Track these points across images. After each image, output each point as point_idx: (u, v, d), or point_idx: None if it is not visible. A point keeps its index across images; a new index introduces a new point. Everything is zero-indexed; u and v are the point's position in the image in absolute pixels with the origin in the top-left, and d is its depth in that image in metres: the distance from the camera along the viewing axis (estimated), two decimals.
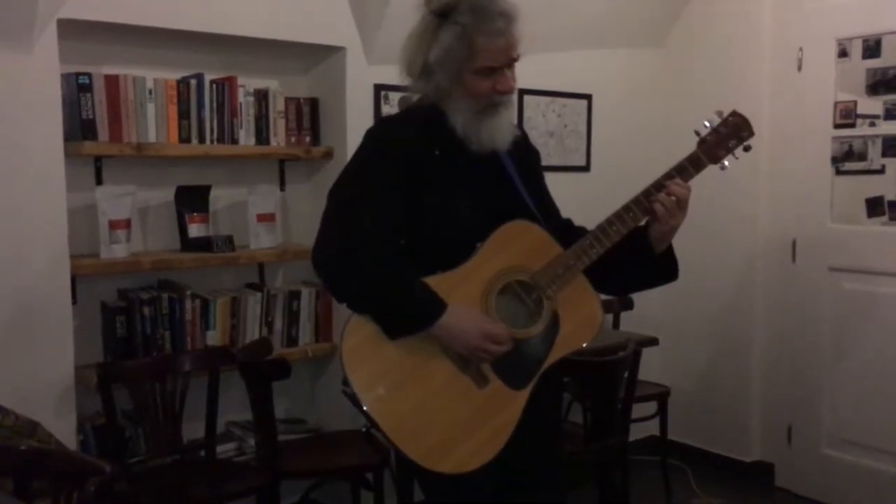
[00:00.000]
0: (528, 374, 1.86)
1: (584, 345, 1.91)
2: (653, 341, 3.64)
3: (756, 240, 3.97)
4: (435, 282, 1.82)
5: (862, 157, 3.68)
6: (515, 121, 1.92)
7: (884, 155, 3.61)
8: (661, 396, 3.80)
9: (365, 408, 1.81)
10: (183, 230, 3.18)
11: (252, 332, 3.25)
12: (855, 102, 3.62)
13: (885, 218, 3.69)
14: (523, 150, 2.02)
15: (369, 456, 2.97)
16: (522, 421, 1.85)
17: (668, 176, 1.90)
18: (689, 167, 1.91)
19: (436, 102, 1.90)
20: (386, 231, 1.84)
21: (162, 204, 3.21)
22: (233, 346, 3.16)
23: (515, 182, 1.94)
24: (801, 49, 3.74)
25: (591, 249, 1.87)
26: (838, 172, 3.72)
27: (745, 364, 4.04)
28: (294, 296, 3.37)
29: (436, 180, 1.87)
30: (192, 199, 3.20)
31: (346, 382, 1.83)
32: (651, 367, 3.85)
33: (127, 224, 2.97)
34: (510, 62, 1.86)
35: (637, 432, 3.88)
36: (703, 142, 1.92)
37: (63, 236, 2.77)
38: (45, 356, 2.75)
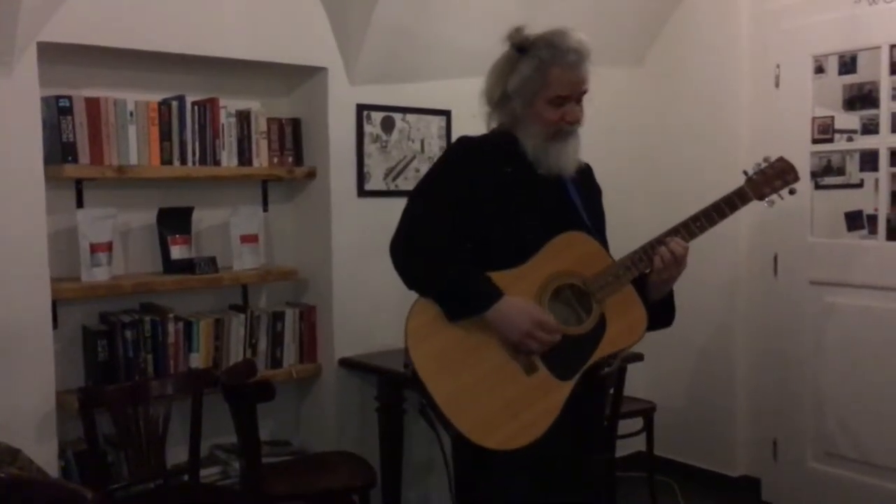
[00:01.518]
0: (574, 367, 1.98)
1: (629, 346, 2.04)
2: (638, 357, 3.64)
3: (738, 255, 4.00)
4: (494, 275, 1.99)
5: (840, 171, 3.74)
6: (578, 150, 2.15)
7: (862, 169, 3.66)
8: (647, 412, 3.80)
9: (423, 381, 1.95)
10: (165, 252, 3.16)
11: (236, 353, 3.23)
12: (832, 118, 3.67)
13: (864, 231, 3.73)
14: (588, 182, 2.22)
15: (356, 478, 2.95)
16: (566, 414, 1.95)
17: (716, 207, 2.06)
18: (736, 200, 2.07)
19: (510, 128, 2.10)
20: (452, 231, 2.04)
21: (144, 226, 3.19)
22: (216, 368, 3.14)
23: (577, 206, 2.11)
24: (778, 66, 3.79)
25: (640, 262, 2.03)
26: (817, 187, 3.77)
27: (730, 378, 4.06)
28: (278, 317, 3.36)
29: (505, 195, 2.05)
30: (174, 221, 3.18)
31: (406, 364, 2.00)
32: (636, 384, 3.85)
33: (108, 247, 2.95)
34: (580, 95, 2.07)
35: (623, 448, 3.87)
36: (750, 180, 2.10)
37: (43, 259, 2.75)
38: (26, 381, 2.71)
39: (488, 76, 2.12)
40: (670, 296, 2.14)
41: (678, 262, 2.03)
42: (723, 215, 2.06)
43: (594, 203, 2.22)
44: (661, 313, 2.13)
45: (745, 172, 2.11)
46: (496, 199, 2.04)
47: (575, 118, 2.07)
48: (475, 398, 1.95)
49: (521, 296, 1.98)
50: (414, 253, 2.06)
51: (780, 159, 2.11)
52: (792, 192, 2.12)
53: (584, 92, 2.08)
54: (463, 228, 2.04)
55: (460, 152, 2.16)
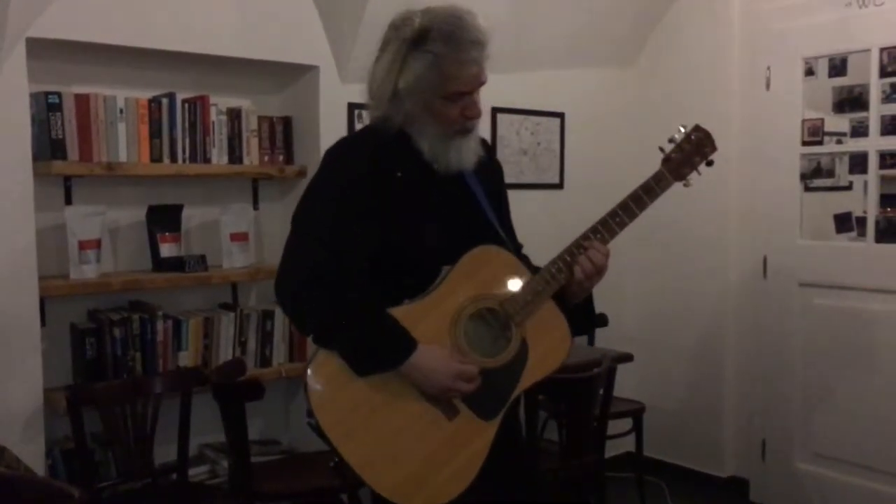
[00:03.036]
0: (498, 403, 1.83)
1: (554, 370, 1.88)
2: (627, 358, 3.65)
3: (728, 256, 4.01)
4: (402, 313, 1.79)
5: (830, 173, 3.75)
6: (479, 139, 1.92)
7: (851, 171, 3.68)
8: (637, 413, 3.81)
9: (333, 444, 1.78)
10: (154, 250, 3.14)
11: (225, 352, 3.22)
12: (822, 120, 3.69)
13: (853, 233, 3.75)
14: (487, 166, 1.98)
15: (345, 477, 2.94)
16: (493, 450, 1.82)
17: (634, 197, 1.89)
18: (654, 186, 1.90)
19: (400, 125, 1.86)
20: (350, 257, 1.80)
21: (133, 224, 3.18)
22: (205, 366, 3.12)
23: (481, 203, 1.92)
24: (768, 68, 3.80)
25: (559, 274, 1.85)
26: (807, 189, 3.78)
27: (719, 379, 4.07)
28: (268, 315, 3.35)
29: (399, 202, 1.84)
30: (163, 219, 3.17)
31: (310, 414, 1.80)
32: (626, 384, 3.86)
33: (97, 244, 2.93)
34: (478, 87, 1.85)
35: (612, 449, 3.88)
36: (667, 160, 1.91)
37: (31, 257, 2.73)
38: (13, 379, 2.70)
39: (374, 71, 1.86)
40: (589, 300, 1.96)
41: (598, 272, 1.86)
42: (643, 205, 1.89)
43: (497, 189, 2.01)
44: (579, 320, 1.93)
45: (661, 149, 1.91)
46: (391, 210, 1.82)
47: (476, 113, 1.85)
48: (394, 457, 1.78)
49: (432, 331, 1.79)
50: (305, 299, 1.80)
51: (697, 128, 1.91)
52: (709, 163, 1.91)
53: (483, 83, 1.84)
54: (356, 250, 1.80)
55: (342, 162, 1.89)
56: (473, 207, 1.91)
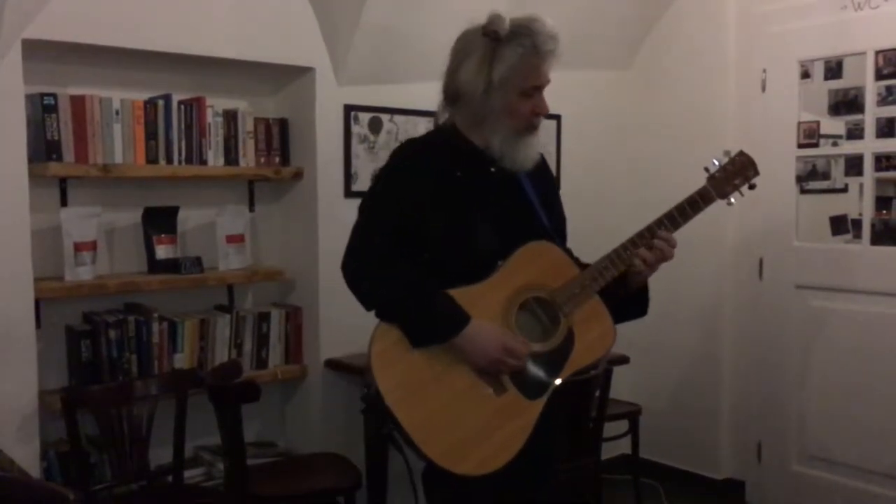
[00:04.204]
0: (544, 385, 1.95)
1: (598, 360, 2.02)
2: (624, 360, 3.65)
3: (724, 258, 4.02)
4: (458, 294, 1.93)
5: (826, 176, 3.75)
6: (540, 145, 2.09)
7: (847, 174, 3.68)
8: (633, 415, 3.81)
9: (389, 408, 1.89)
10: (150, 252, 3.14)
11: (221, 354, 3.21)
12: (818, 123, 3.69)
13: (848, 236, 3.75)
14: (542, 172, 2.13)
15: (341, 479, 2.94)
16: (536, 431, 1.92)
17: (680, 209, 2.02)
18: (699, 201, 2.03)
19: (460, 129, 2.02)
20: (409, 245, 1.96)
21: (129, 225, 3.17)
22: (201, 368, 3.12)
23: (534, 204, 2.05)
24: (764, 70, 3.81)
25: (605, 272, 1.98)
26: (803, 191, 3.79)
27: (715, 381, 4.07)
28: (263, 317, 3.34)
29: (457, 200, 1.98)
30: (159, 221, 3.16)
31: (367, 386, 1.96)
32: (622, 386, 3.86)
33: (92, 246, 2.93)
34: (546, 83, 2.01)
35: (609, 451, 3.88)
36: (712, 178, 2.04)
37: (27, 259, 2.72)
38: (8, 381, 2.69)
39: (463, 66, 1.98)
40: (645, 286, 2.09)
41: (664, 258, 2.00)
42: (686, 217, 2.02)
43: (551, 197, 2.15)
44: (635, 304, 2.09)
45: (707, 169, 2.05)
46: (451, 206, 1.97)
47: (545, 109, 2.02)
48: (444, 424, 1.91)
49: (486, 312, 1.93)
50: (370, 276, 1.97)
51: (741, 153, 2.06)
52: (752, 187, 2.06)
53: (549, 82, 2.02)
54: (418, 239, 1.96)
55: (409, 158, 2.05)
56: (527, 208, 2.05)
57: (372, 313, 3.09)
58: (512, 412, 1.93)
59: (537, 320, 1.99)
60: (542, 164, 2.13)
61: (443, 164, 2.00)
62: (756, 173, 2.05)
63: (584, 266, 2.04)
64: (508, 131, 1.99)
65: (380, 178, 2.10)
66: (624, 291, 2.04)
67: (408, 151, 2.07)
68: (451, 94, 2.02)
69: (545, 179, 2.15)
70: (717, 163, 2.05)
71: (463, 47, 2.01)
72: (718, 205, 2.07)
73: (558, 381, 1.96)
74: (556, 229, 2.09)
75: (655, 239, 1.99)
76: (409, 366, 1.92)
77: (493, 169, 2.01)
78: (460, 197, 1.98)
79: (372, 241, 1.98)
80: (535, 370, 1.95)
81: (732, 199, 2.06)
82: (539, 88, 1.99)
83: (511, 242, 1.97)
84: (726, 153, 2.06)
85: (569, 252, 2.12)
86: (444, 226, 1.96)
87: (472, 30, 2.01)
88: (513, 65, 1.93)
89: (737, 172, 2.04)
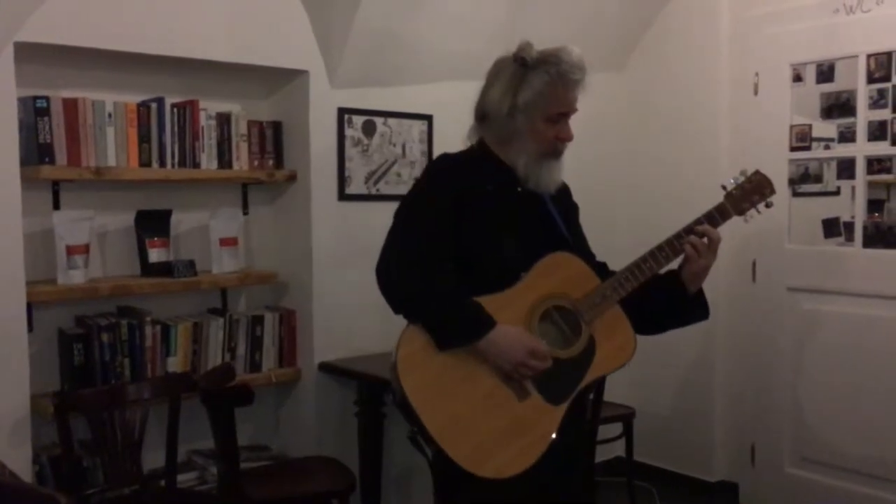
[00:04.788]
0: (566, 391, 2.00)
1: (618, 367, 2.06)
2: None
3: (717, 261, 4.01)
4: (484, 301, 1.98)
5: (818, 179, 3.77)
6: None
7: (839, 177, 3.69)
8: (627, 418, 3.81)
9: (415, 410, 1.93)
10: (143, 255, 3.13)
11: (214, 357, 3.20)
12: (810, 126, 3.71)
13: (841, 238, 3.77)
14: (566, 199, 2.24)
15: (335, 483, 2.94)
16: (560, 436, 1.97)
17: (698, 222, 2.09)
18: (716, 216, 2.10)
19: (490, 147, 2.11)
20: (440, 253, 2.02)
21: (121, 228, 3.16)
22: (194, 372, 3.11)
23: (558, 222, 2.14)
24: (757, 74, 3.82)
25: (626, 283, 2.04)
26: (795, 194, 3.80)
27: (709, 384, 4.08)
28: (257, 321, 3.34)
29: (486, 213, 2.05)
30: (152, 224, 3.15)
31: (392, 392, 1.99)
32: (616, 389, 3.85)
33: (85, 249, 2.92)
34: (572, 112, 2.10)
35: (603, 454, 3.88)
36: (729, 195, 2.12)
37: (19, 262, 2.71)
38: (0, 385, 2.67)
39: (492, 88, 2.09)
40: (700, 289, 2.14)
41: (712, 248, 2.06)
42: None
43: (573, 220, 2.25)
44: (697, 306, 2.15)
45: (724, 187, 2.13)
46: (479, 218, 2.05)
47: (569, 136, 2.11)
48: (468, 427, 1.94)
49: (510, 320, 1.98)
50: (403, 279, 2.03)
51: (757, 173, 2.13)
52: (769, 205, 2.14)
53: (576, 111, 2.11)
54: (445, 249, 2.03)
55: (444, 170, 2.15)
56: (550, 225, 2.14)
57: (367, 317, 3.11)
58: (535, 417, 1.97)
59: (559, 329, 2.04)
60: (566, 191, 2.24)
61: (474, 178, 2.08)
62: (772, 191, 2.13)
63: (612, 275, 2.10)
64: (532, 154, 2.07)
65: (417, 187, 2.18)
66: (682, 294, 2.11)
67: (443, 164, 2.17)
68: (480, 114, 2.12)
69: (568, 205, 2.24)
70: (733, 181, 2.13)
71: (495, 71, 2.11)
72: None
73: (581, 386, 2.01)
74: (579, 247, 2.16)
75: (686, 244, 2.06)
76: (435, 369, 1.97)
77: (519, 189, 2.10)
78: (489, 210, 2.06)
79: (405, 246, 2.04)
80: (558, 376, 1.99)
81: (748, 217, 2.14)
82: (565, 115, 2.08)
83: (535, 255, 2.03)
84: (743, 172, 2.13)
85: (603, 266, 2.20)
86: (473, 236, 2.03)
87: (505, 56, 2.11)
88: (538, 91, 2.03)
89: (754, 190, 2.12)
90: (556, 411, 1.98)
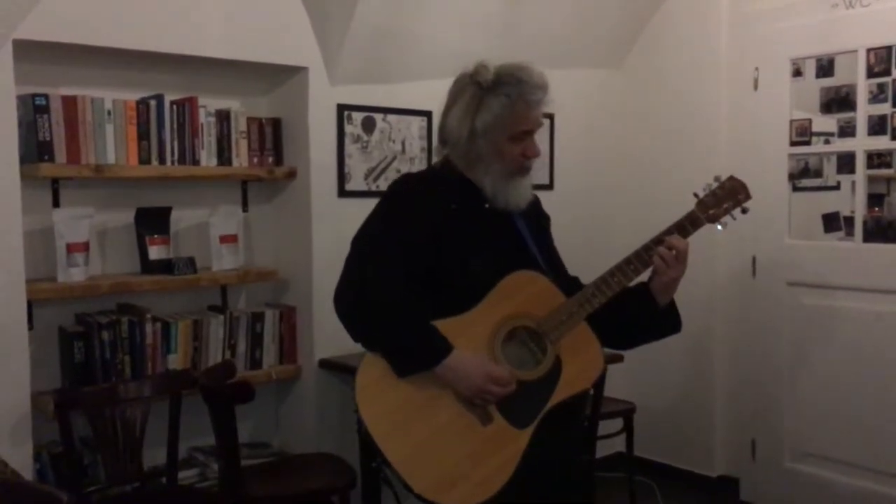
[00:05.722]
0: (531, 414, 1.93)
1: (586, 387, 2.01)
2: (617, 358, 3.65)
3: (716, 256, 4.02)
4: (444, 325, 1.93)
5: (818, 173, 3.76)
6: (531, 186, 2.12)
7: (839, 171, 3.69)
8: (627, 413, 3.81)
9: (376, 442, 1.90)
10: (143, 252, 3.13)
11: (215, 355, 3.21)
12: (810, 120, 3.71)
13: (841, 233, 3.77)
14: (536, 213, 2.18)
15: (335, 479, 2.94)
16: (529, 460, 1.91)
17: (668, 232, 2.02)
18: (687, 226, 2.03)
19: (458, 166, 2.06)
20: (401, 277, 1.96)
21: (121, 226, 3.16)
22: (195, 369, 3.11)
23: (527, 240, 2.08)
24: (756, 69, 3.82)
25: (593, 298, 1.98)
26: (795, 189, 3.80)
27: (709, 379, 4.08)
28: (257, 318, 3.34)
29: (451, 234, 2.00)
30: (152, 221, 3.15)
31: (359, 421, 1.95)
32: (616, 385, 3.86)
33: (85, 247, 2.92)
34: (539, 127, 2.05)
35: (603, 449, 3.89)
36: (701, 203, 2.04)
37: (19, 260, 2.71)
38: (1, 383, 2.68)
39: (451, 113, 2.04)
40: (672, 301, 2.09)
41: (680, 260, 2.00)
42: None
43: (543, 234, 2.19)
44: (668, 319, 2.09)
45: (696, 195, 2.05)
46: (444, 238, 1.98)
47: (536, 153, 2.05)
48: (430, 456, 1.90)
49: (472, 343, 1.93)
50: (360, 307, 1.97)
51: (731, 178, 2.06)
52: (744, 211, 2.07)
53: (541, 125, 2.07)
54: (407, 273, 1.96)
55: (406, 191, 2.09)
56: (519, 244, 2.08)
57: None
58: (499, 442, 1.91)
59: (527, 349, 1.98)
60: (536, 204, 2.18)
61: (439, 198, 2.03)
62: (747, 197, 2.05)
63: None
64: (499, 173, 2.02)
65: (377, 211, 2.09)
66: (654, 308, 2.05)
67: (405, 185, 2.12)
68: (442, 136, 2.08)
69: (537, 217, 2.18)
70: (705, 189, 2.06)
71: (455, 92, 2.06)
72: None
73: (547, 408, 1.94)
74: (548, 264, 2.10)
75: (654, 256, 1.99)
76: (395, 398, 1.92)
77: (486, 206, 2.04)
78: (454, 230, 2.00)
79: (362, 273, 1.98)
80: (522, 399, 1.93)
81: (720, 226, 2.06)
82: (529, 132, 2.02)
83: (503, 273, 1.97)
84: (716, 178, 2.06)
85: (574, 280, 2.14)
86: (439, 257, 1.97)
87: (465, 73, 2.06)
88: (497, 114, 1.98)
89: (727, 196, 2.04)
90: (522, 435, 1.91)
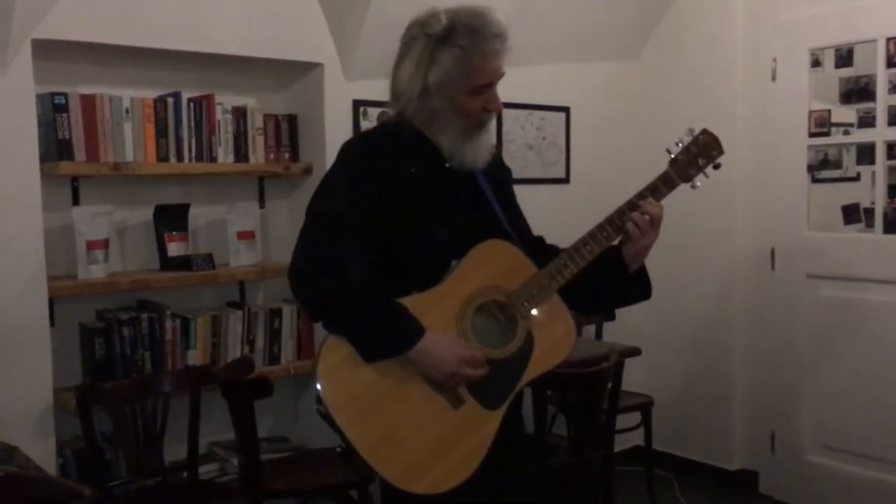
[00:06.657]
0: (503, 393, 1.85)
1: (558, 364, 1.90)
2: (635, 352, 3.65)
3: (735, 249, 4.00)
4: (411, 303, 1.81)
5: (837, 164, 3.73)
6: (494, 139, 1.92)
7: (858, 162, 3.66)
8: (645, 407, 3.81)
9: (340, 428, 1.79)
10: (162, 249, 3.15)
11: (233, 350, 3.22)
12: (829, 111, 3.67)
13: (861, 225, 3.73)
14: (497, 168, 2.03)
15: (353, 473, 2.95)
16: (497, 441, 1.83)
17: (641, 195, 1.91)
18: (661, 187, 1.92)
19: (413, 122, 1.90)
20: (362, 248, 1.83)
21: (140, 223, 3.19)
22: (214, 365, 3.13)
23: (490, 200, 1.95)
24: (774, 59, 3.79)
25: (565, 269, 1.87)
26: (814, 181, 3.77)
27: (728, 372, 4.06)
28: (275, 313, 3.35)
29: (411, 198, 1.87)
30: (170, 218, 3.17)
31: (319, 401, 1.81)
32: (634, 378, 3.86)
33: (105, 244, 2.94)
34: (499, 79, 1.89)
35: (621, 443, 3.88)
36: (674, 161, 1.93)
37: (40, 258, 2.74)
38: (23, 379, 2.71)
39: (399, 69, 1.89)
40: (643, 267, 1.96)
41: (654, 226, 1.88)
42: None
43: (506, 191, 2.04)
44: (638, 285, 1.97)
45: (668, 151, 1.93)
46: (405, 205, 1.85)
47: (498, 106, 1.90)
48: (399, 442, 1.79)
49: (440, 322, 1.81)
50: (318, 285, 1.81)
51: (705, 132, 1.93)
52: (716, 166, 1.93)
53: (503, 75, 1.88)
54: (368, 242, 1.83)
55: (360, 156, 1.91)
56: (483, 206, 1.94)
57: None
58: (471, 425, 1.82)
59: (496, 324, 1.87)
60: (498, 160, 2.04)
61: (396, 160, 1.87)
62: (720, 152, 1.92)
63: (558, 251, 1.94)
64: (456, 130, 1.88)
65: (327, 178, 1.92)
66: (623, 273, 1.93)
67: (358, 149, 1.94)
68: (393, 93, 1.92)
69: (499, 172, 2.04)
70: (680, 144, 1.93)
71: (405, 41, 1.90)
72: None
73: (519, 387, 1.86)
74: (513, 225, 1.98)
75: (628, 222, 1.87)
76: (361, 382, 1.79)
77: (447, 165, 1.90)
78: (415, 194, 1.87)
79: (319, 246, 1.83)
80: (494, 378, 1.83)
81: (698, 183, 1.93)
82: (489, 85, 1.86)
83: (467, 241, 1.85)
84: (690, 131, 1.93)
85: (539, 241, 2.05)
86: (399, 226, 1.85)
87: (415, 21, 1.89)
88: (450, 69, 1.82)
89: (701, 152, 1.92)
90: (494, 416, 1.82)
